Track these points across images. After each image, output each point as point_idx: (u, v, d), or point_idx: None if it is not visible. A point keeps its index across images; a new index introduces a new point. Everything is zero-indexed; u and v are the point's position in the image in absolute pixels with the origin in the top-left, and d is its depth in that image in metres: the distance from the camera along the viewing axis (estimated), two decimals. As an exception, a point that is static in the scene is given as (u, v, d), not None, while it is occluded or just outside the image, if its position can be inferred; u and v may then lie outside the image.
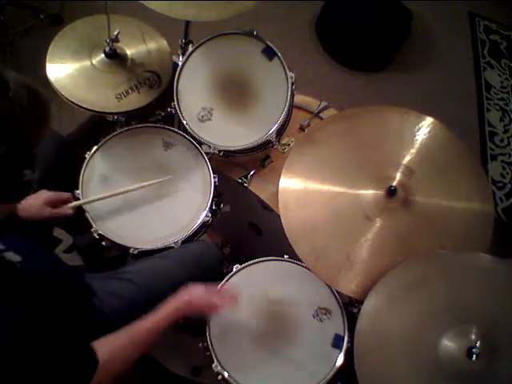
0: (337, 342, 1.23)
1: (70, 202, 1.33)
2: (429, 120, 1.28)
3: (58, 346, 0.91)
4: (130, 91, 1.49)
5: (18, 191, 0.98)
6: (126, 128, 1.49)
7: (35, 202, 1.26)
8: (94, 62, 1.50)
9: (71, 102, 1.44)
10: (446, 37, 2.86)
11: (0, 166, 0.90)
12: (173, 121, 1.59)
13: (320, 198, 1.23)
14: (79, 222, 1.37)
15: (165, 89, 1.53)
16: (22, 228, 1.23)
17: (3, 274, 0.90)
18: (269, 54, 1.45)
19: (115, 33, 1.45)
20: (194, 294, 1.13)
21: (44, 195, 1.28)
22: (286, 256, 1.33)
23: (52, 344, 0.89)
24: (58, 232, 1.82)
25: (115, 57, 1.50)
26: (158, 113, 1.64)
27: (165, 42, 1.60)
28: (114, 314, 1.18)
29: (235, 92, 1.48)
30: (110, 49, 1.48)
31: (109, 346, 0.99)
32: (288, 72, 1.43)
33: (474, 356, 0.98)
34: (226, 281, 1.29)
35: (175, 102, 1.45)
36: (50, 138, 1.46)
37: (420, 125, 1.28)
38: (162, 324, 1.08)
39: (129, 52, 1.54)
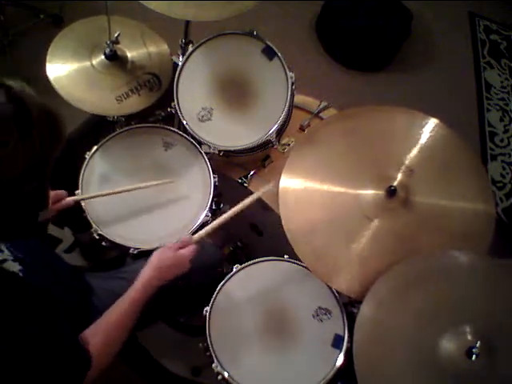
0: (337, 342, 1.23)
1: (66, 198, 1.31)
2: (429, 119, 1.28)
3: (55, 347, 0.91)
4: (130, 93, 1.48)
5: (32, 232, 0.92)
6: (125, 128, 1.49)
7: None
8: (94, 63, 1.49)
9: (71, 103, 1.44)
10: (445, 37, 2.86)
11: (25, 204, 0.83)
12: (173, 121, 1.59)
13: (320, 197, 1.23)
14: (82, 219, 1.37)
15: (165, 90, 1.53)
16: None
17: (5, 287, 0.88)
18: (269, 53, 1.45)
19: (116, 35, 1.45)
20: (160, 257, 1.16)
21: None
22: (286, 256, 1.33)
23: (50, 344, 0.90)
24: (59, 232, 1.82)
25: (115, 59, 1.50)
26: (157, 113, 1.64)
27: (165, 45, 1.60)
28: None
29: (235, 92, 1.48)
30: (111, 50, 1.48)
31: (96, 340, 1.00)
32: (288, 72, 1.43)
33: (474, 356, 0.98)
34: (226, 281, 1.29)
35: (175, 102, 1.45)
36: None
37: (420, 124, 1.28)
38: (141, 298, 1.09)
39: (129, 54, 1.54)
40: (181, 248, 1.18)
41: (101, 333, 1.03)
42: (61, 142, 0.82)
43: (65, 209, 1.30)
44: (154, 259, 1.16)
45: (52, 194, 1.28)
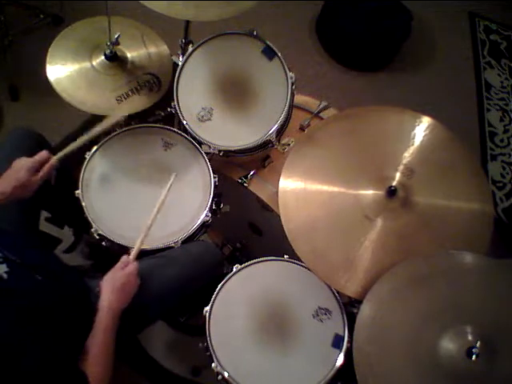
0: (337, 342, 1.23)
1: (51, 158, 1.25)
2: (428, 120, 1.28)
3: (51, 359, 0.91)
4: (130, 94, 1.48)
5: None
6: (125, 128, 1.49)
7: (18, 180, 1.17)
8: (94, 63, 1.49)
9: (71, 104, 1.44)
10: (446, 37, 2.86)
11: None
12: (173, 121, 1.59)
13: (320, 197, 1.23)
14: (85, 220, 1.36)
15: (165, 90, 1.53)
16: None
17: None
18: (269, 53, 1.45)
19: (116, 36, 1.44)
20: (111, 277, 1.15)
21: (25, 167, 1.18)
22: (286, 256, 1.33)
23: (46, 351, 0.90)
24: (58, 232, 1.82)
25: (116, 59, 1.50)
26: (157, 113, 1.64)
27: (165, 46, 1.60)
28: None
29: (235, 92, 1.48)
30: (111, 51, 1.48)
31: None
32: (288, 72, 1.43)
33: (474, 356, 0.98)
34: (226, 281, 1.29)
35: (175, 102, 1.45)
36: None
37: (419, 125, 1.28)
38: (110, 325, 1.08)
39: (129, 55, 1.54)
40: (124, 267, 1.17)
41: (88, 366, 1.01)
42: None
43: (51, 170, 1.24)
44: (106, 283, 1.14)
45: (35, 158, 1.22)
